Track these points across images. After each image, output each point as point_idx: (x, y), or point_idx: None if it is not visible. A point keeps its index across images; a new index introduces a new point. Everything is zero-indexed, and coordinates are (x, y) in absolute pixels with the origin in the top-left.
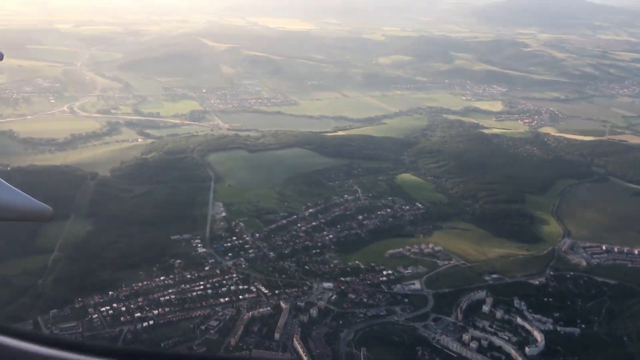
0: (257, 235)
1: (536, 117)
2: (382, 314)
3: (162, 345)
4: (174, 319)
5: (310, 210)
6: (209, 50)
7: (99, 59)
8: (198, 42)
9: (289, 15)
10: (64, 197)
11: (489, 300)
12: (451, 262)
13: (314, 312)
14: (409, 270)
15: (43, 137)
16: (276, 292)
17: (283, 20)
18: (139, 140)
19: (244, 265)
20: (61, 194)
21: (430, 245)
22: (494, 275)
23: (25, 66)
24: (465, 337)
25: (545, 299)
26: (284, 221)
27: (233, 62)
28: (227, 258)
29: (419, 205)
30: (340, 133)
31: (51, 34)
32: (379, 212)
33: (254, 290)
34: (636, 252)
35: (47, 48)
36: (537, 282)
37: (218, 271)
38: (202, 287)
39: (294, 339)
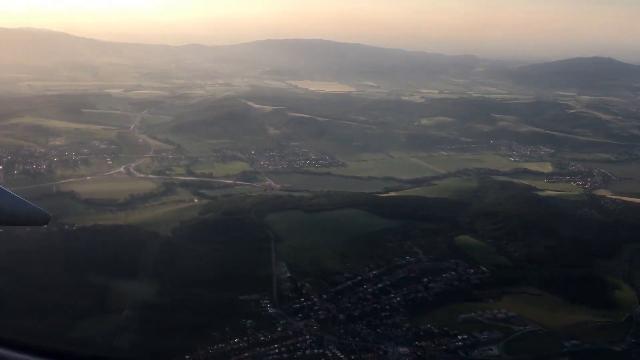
0: (324, 296)
1: (589, 179)
2: None
3: None
4: None
5: (374, 271)
6: (255, 112)
7: (150, 122)
8: (243, 105)
9: (327, 79)
10: (129, 256)
11: None
12: (527, 327)
13: None
14: (485, 336)
15: (103, 198)
16: (352, 357)
17: (322, 83)
18: (195, 200)
19: (315, 327)
20: (126, 253)
21: (503, 310)
22: (574, 342)
23: (82, 129)
24: None
25: None
26: (349, 282)
27: (279, 124)
28: (297, 319)
29: (484, 268)
30: (391, 194)
31: (104, 98)
32: (443, 275)
33: (330, 355)
34: None
35: (101, 112)
36: (619, 349)
37: (290, 333)
38: (277, 350)
39: None
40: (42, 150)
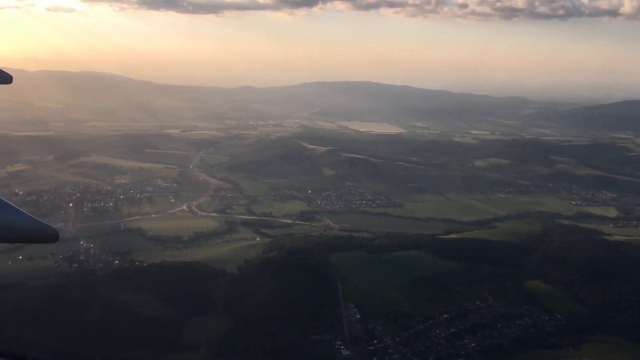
0: (398, 339)
1: None
2: None
3: None
4: None
5: (445, 315)
6: (309, 152)
7: (208, 161)
8: (297, 145)
9: (376, 120)
10: (200, 293)
11: None
12: None
13: None
14: None
15: (169, 235)
16: None
17: (372, 124)
18: (257, 239)
19: None
20: (196, 289)
21: (585, 359)
22: None
23: (145, 168)
24: None
25: None
26: (421, 326)
27: (333, 164)
28: None
29: (558, 316)
30: (452, 236)
31: (163, 138)
32: (517, 322)
33: None
34: None
35: (161, 152)
36: None
37: None
38: None
39: None
40: (109, 188)
